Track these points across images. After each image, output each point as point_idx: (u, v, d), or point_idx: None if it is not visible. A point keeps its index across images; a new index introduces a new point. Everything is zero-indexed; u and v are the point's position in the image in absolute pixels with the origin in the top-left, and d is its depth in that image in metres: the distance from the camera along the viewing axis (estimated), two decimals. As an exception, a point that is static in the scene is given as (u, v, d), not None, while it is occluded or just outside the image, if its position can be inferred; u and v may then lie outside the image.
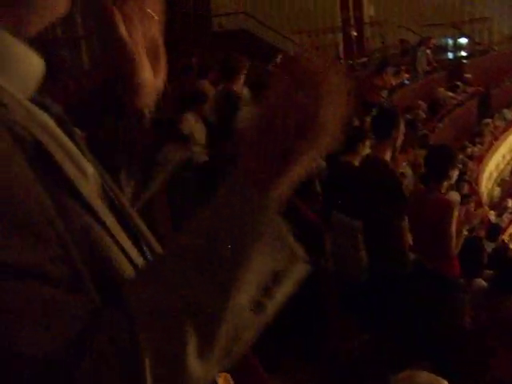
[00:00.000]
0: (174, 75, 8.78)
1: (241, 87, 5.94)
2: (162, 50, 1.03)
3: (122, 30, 0.93)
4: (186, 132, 5.17)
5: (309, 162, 0.72)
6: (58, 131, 0.76)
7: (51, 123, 0.75)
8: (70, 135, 0.79)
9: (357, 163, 4.60)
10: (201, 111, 5.65)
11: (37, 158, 0.66)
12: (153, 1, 0.99)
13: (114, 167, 0.97)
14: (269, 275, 0.69)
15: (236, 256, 0.67)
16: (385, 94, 10.84)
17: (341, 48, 15.88)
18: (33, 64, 0.74)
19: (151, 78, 0.99)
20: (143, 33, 0.97)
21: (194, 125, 5.40)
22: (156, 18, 1.00)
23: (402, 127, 4.26)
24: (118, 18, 0.92)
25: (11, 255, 0.59)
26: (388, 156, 4.21)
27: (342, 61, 14.65)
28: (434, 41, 16.04)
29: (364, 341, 4.08)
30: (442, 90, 13.38)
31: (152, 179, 1.06)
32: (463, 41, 18.51)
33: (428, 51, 15.16)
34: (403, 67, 13.04)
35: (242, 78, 5.99)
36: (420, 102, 11.61)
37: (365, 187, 4.17)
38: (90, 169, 0.77)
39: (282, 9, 15.99)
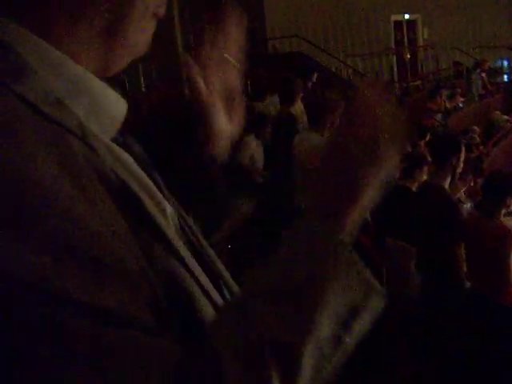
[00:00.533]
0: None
1: (298, 110, 6.00)
2: (239, 98, 1.03)
3: (200, 82, 0.96)
4: (246, 156, 5.27)
5: (376, 190, 0.75)
6: (140, 171, 0.76)
7: (133, 163, 0.76)
8: (150, 173, 0.80)
9: (414, 189, 4.59)
10: (263, 134, 5.71)
11: (123, 200, 0.66)
12: (233, 48, 1.02)
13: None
14: (347, 309, 0.70)
15: (314, 292, 0.68)
16: (439, 117, 10.77)
17: (395, 71, 15.84)
18: (117, 105, 0.75)
19: (226, 128, 1.00)
20: (222, 79, 0.99)
21: (255, 148, 5.48)
22: (236, 65, 1.02)
23: (463, 155, 4.24)
24: (196, 70, 0.96)
25: (109, 302, 0.59)
26: (447, 183, 4.20)
27: (396, 84, 14.65)
28: (488, 63, 15.86)
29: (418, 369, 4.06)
30: (497, 113, 13.17)
31: (218, 225, 1.05)
32: (519, 63, 18.25)
33: (483, 74, 14.98)
34: (458, 90, 12.94)
35: (299, 100, 6.04)
36: (474, 128, 11.44)
37: (421, 213, 4.16)
38: (168, 207, 0.77)
39: (336, 32, 16.06)
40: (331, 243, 0.71)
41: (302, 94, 6.15)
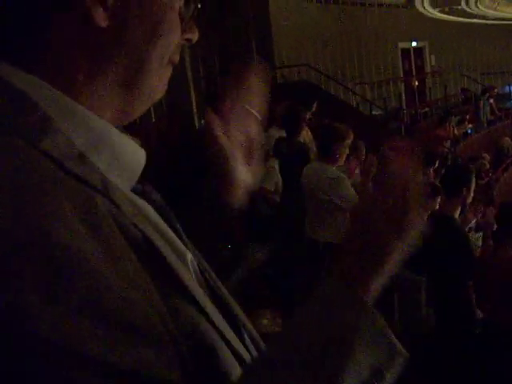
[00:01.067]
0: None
1: (307, 138, 5.99)
2: (257, 150, 1.03)
3: (221, 136, 0.97)
4: (272, 183, 5.32)
5: (401, 255, 0.76)
6: (159, 220, 0.77)
7: (152, 213, 0.76)
8: (168, 220, 0.80)
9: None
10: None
11: (146, 254, 0.66)
12: (256, 100, 1.02)
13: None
14: (370, 372, 0.70)
15: (339, 355, 0.68)
16: (448, 144, 10.80)
17: (403, 98, 15.91)
18: (137, 155, 0.76)
19: (245, 178, 1.01)
20: (242, 131, 1.00)
21: (279, 176, 5.54)
22: (258, 117, 1.02)
23: (473, 185, 4.24)
24: (218, 123, 0.97)
25: (137, 363, 0.58)
26: (457, 213, 4.20)
27: (404, 111, 14.70)
28: (496, 89, 15.92)
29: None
30: (507, 139, 13.20)
31: (229, 273, 1.05)
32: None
33: (491, 100, 15.03)
34: (466, 117, 12.99)
35: (306, 128, 6.04)
36: (484, 154, 11.47)
37: (432, 244, 4.15)
38: (188, 255, 0.77)
39: (344, 61, 16.19)
40: (357, 308, 0.72)
41: (306, 122, 6.15)
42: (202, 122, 10.76)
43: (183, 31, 0.78)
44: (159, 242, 0.69)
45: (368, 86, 15.54)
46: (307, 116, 5.88)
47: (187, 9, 0.77)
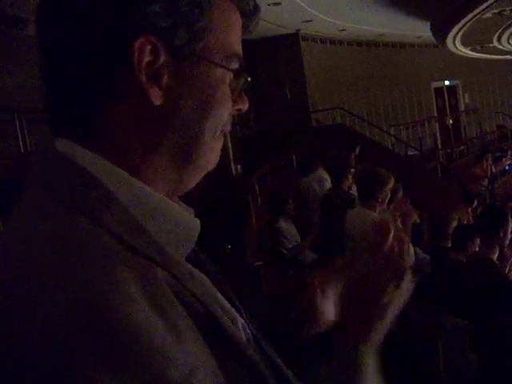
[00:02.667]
0: (277, 172, 9.11)
1: (349, 185, 5.92)
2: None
3: (318, 300, 0.98)
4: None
5: (396, 310, 0.90)
6: (213, 288, 0.77)
7: (207, 281, 0.77)
8: (221, 287, 0.81)
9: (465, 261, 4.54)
10: (288, 210, 5.94)
11: (205, 324, 0.67)
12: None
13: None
14: None
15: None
16: (485, 182, 10.70)
17: (438, 137, 15.86)
18: (191, 225, 0.77)
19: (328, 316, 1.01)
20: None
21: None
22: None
23: (511, 226, 4.19)
24: (316, 291, 0.98)
25: None
26: (495, 255, 4.16)
27: (440, 151, 14.61)
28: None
29: None
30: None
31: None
32: None
33: (528, 135, 14.88)
34: (503, 154, 12.87)
35: (350, 176, 5.95)
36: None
37: (472, 288, 4.11)
38: (240, 320, 0.78)
39: (378, 103, 16.25)
40: (364, 363, 0.87)
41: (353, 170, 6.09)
42: (238, 167, 10.87)
43: (234, 102, 0.79)
44: (216, 310, 0.71)
45: (402, 127, 15.53)
46: (353, 164, 5.82)
47: (237, 81, 0.79)
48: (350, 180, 5.64)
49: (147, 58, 0.70)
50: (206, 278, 0.77)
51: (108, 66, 0.70)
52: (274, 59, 13.68)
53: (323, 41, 14.94)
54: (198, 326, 0.65)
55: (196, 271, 0.75)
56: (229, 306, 0.78)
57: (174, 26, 0.70)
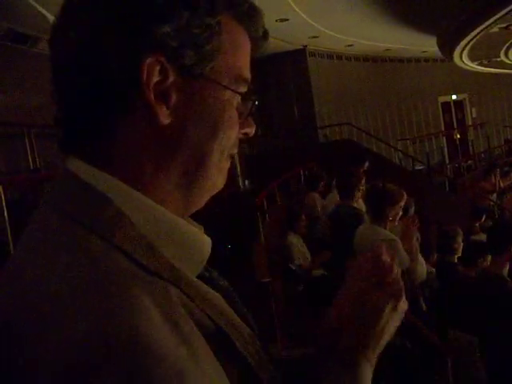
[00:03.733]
0: (285, 188, 9.10)
1: (358, 201, 5.75)
2: None
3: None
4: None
5: (395, 325, 0.93)
6: (226, 306, 0.78)
7: (219, 299, 0.77)
8: (234, 304, 0.82)
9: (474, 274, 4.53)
10: (298, 228, 5.98)
11: (217, 343, 0.68)
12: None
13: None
14: None
15: None
16: (494, 197, 10.67)
17: (445, 152, 15.84)
18: (203, 243, 0.78)
19: None
20: None
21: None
22: None
23: None
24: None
25: None
26: (505, 271, 4.15)
27: (447, 166, 14.58)
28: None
29: None
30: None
31: None
32: None
33: (536, 150, 14.84)
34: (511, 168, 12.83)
35: (360, 192, 5.91)
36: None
37: (482, 304, 4.09)
38: (249, 334, 0.79)
39: (385, 118, 16.27)
40: (363, 375, 0.89)
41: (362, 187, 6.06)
42: (246, 182, 10.88)
43: (241, 126, 0.81)
44: (232, 333, 0.72)
45: (410, 142, 15.52)
46: (362, 181, 5.79)
47: (245, 105, 0.80)
48: (359, 196, 5.62)
49: (156, 78, 0.71)
50: (218, 295, 0.78)
51: (118, 85, 0.71)
52: (282, 75, 13.74)
53: (330, 56, 14.99)
54: (210, 345, 0.66)
55: (208, 289, 0.76)
56: (240, 322, 0.79)
57: (184, 47, 0.72)
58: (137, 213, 0.71)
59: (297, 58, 13.93)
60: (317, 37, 12.97)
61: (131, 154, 0.73)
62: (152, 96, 0.71)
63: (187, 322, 0.64)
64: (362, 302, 0.91)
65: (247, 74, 0.80)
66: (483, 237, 6.59)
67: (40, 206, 0.74)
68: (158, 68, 0.70)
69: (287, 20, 10.68)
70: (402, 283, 0.92)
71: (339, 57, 15.33)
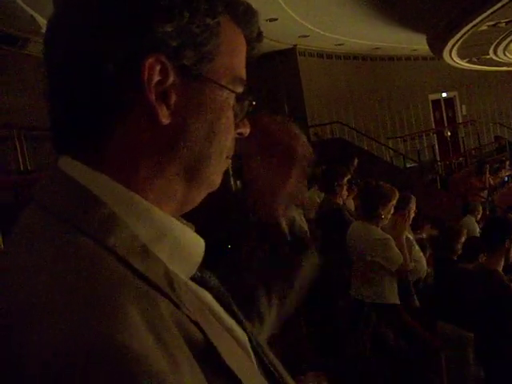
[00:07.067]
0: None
1: (344, 197, 5.86)
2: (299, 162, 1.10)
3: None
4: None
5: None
6: (218, 307, 0.78)
7: (210, 300, 0.78)
8: (226, 304, 0.82)
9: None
10: None
11: (205, 354, 0.66)
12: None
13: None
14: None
15: None
16: (485, 194, 10.71)
17: (436, 149, 15.90)
18: (197, 244, 0.78)
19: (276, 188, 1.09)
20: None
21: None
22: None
23: None
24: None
25: None
26: (501, 266, 4.15)
27: (438, 162, 14.64)
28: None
29: None
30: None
31: (287, 300, 1.14)
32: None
33: (526, 146, 14.92)
34: (502, 165, 12.90)
35: (345, 189, 5.96)
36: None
37: (478, 300, 4.11)
38: (243, 336, 0.80)
39: (376, 116, 16.32)
40: None
41: (346, 183, 6.09)
42: (238, 183, 10.92)
43: (236, 126, 0.81)
44: (221, 343, 0.70)
45: (401, 140, 15.59)
46: (346, 177, 5.80)
47: (241, 105, 0.80)
48: (344, 192, 5.65)
49: (157, 77, 0.70)
50: (209, 296, 0.78)
51: (117, 85, 0.70)
52: (272, 74, 13.74)
53: (320, 55, 15.02)
54: (196, 355, 0.64)
55: (200, 290, 0.77)
56: (230, 323, 0.79)
57: (184, 47, 0.71)
58: (131, 214, 0.70)
59: (287, 57, 13.96)
60: (307, 36, 12.99)
61: (128, 154, 0.72)
62: (153, 96, 0.70)
63: (172, 334, 0.62)
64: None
65: (243, 75, 0.80)
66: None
67: (28, 205, 0.73)
68: (158, 68, 0.70)
69: (276, 19, 10.69)
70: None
71: (329, 56, 15.36)
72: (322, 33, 12.84)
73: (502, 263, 4.21)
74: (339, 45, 14.63)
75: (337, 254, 4.76)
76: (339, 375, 4.21)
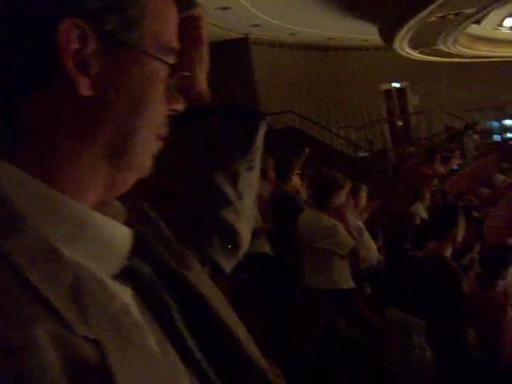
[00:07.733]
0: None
1: (297, 186, 5.94)
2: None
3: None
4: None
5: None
6: (135, 310, 0.66)
7: (130, 307, 0.65)
8: (159, 299, 0.72)
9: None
10: None
11: (96, 377, 0.56)
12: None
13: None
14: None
15: None
16: (435, 182, 10.89)
17: (388, 139, 16.07)
18: (121, 236, 0.69)
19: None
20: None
21: None
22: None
23: (463, 223, 4.23)
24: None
25: None
26: (449, 252, 4.20)
27: (390, 152, 14.82)
28: (479, 125, 16.13)
29: None
30: (496, 174, 13.25)
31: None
32: (509, 122, 18.53)
33: (475, 136, 15.20)
34: (452, 154, 13.14)
35: (296, 177, 6.00)
36: (482, 189, 11.55)
37: (426, 286, 4.15)
38: (178, 362, 0.68)
39: (328, 105, 16.40)
40: None
41: (298, 171, 6.12)
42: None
43: (169, 102, 0.74)
44: (122, 364, 0.59)
45: (352, 129, 15.72)
46: (298, 164, 5.86)
47: (172, 78, 0.73)
48: (295, 181, 5.69)
49: (75, 44, 0.62)
50: (129, 297, 0.66)
51: (31, 55, 0.62)
52: (223, 64, 13.59)
53: (273, 45, 15.00)
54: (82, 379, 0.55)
55: (120, 291, 0.65)
56: (166, 344, 0.68)
57: (105, 11, 0.63)
58: (41, 211, 0.61)
59: (239, 46, 13.88)
60: (259, 25, 12.94)
61: (45, 133, 0.64)
62: (71, 64, 0.62)
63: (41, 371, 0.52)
64: None
65: (175, 44, 0.72)
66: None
67: None
68: (76, 33, 0.61)
69: (228, 8, 10.61)
70: None
71: (282, 45, 15.35)
72: (274, 22, 12.81)
73: (451, 250, 4.27)
74: (292, 34, 14.64)
75: (290, 242, 4.78)
76: (292, 364, 4.20)
